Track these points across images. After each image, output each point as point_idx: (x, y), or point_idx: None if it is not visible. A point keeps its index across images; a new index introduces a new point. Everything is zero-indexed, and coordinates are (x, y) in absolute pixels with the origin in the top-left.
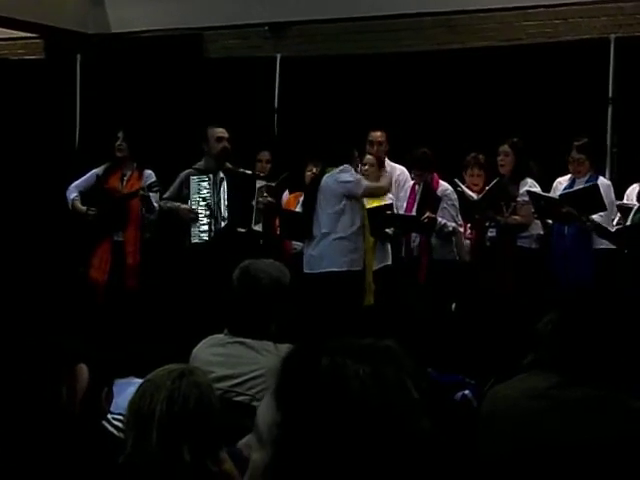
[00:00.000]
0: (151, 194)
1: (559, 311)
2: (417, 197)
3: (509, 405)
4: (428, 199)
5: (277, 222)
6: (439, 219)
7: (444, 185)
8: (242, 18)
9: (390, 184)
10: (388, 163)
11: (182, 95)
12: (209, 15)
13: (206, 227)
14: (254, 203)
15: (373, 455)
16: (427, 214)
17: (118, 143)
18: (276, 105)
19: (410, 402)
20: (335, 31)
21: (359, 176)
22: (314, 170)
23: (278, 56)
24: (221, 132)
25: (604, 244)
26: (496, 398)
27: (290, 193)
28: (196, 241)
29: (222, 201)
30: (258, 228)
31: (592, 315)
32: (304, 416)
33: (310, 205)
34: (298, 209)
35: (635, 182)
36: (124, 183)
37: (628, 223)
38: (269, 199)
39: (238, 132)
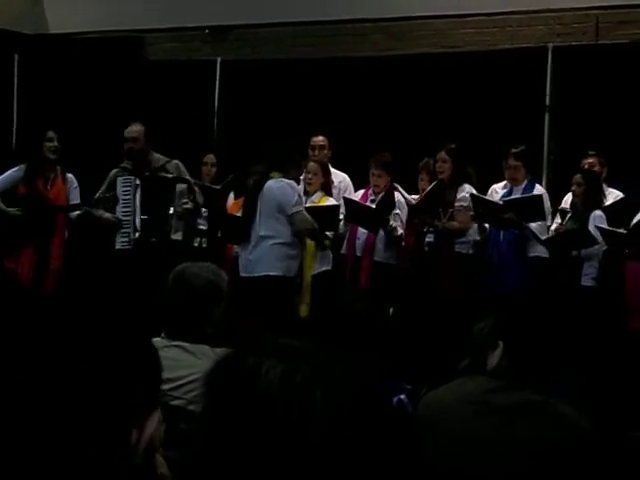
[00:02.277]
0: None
1: (494, 316)
2: (376, 199)
3: (444, 410)
4: (389, 201)
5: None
6: (391, 222)
7: (396, 193)
8: (182, 21)
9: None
10: (334, 172)
11: (121, 98)
12: (149, 17)
13: (125, 237)
14: (172, 210)
15: (266, 451)
16: (385, 215)
17: (52, 145)
18: (216, 109)
19: (308, 407)
20: (275, 35)
21: (300, 208)
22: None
23: (218, 59)
24: (128, 132)
25: (538, 252)
26: (431, 403)
27: (236, 198)
28: (119, 247)
29: (136, 210)
30: (178, 237)
31: (527, 321)
32: (218, 405)
33: (251, 209)
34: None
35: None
36: (48, 187)
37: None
38: (188, 206)
39: (178, 135)
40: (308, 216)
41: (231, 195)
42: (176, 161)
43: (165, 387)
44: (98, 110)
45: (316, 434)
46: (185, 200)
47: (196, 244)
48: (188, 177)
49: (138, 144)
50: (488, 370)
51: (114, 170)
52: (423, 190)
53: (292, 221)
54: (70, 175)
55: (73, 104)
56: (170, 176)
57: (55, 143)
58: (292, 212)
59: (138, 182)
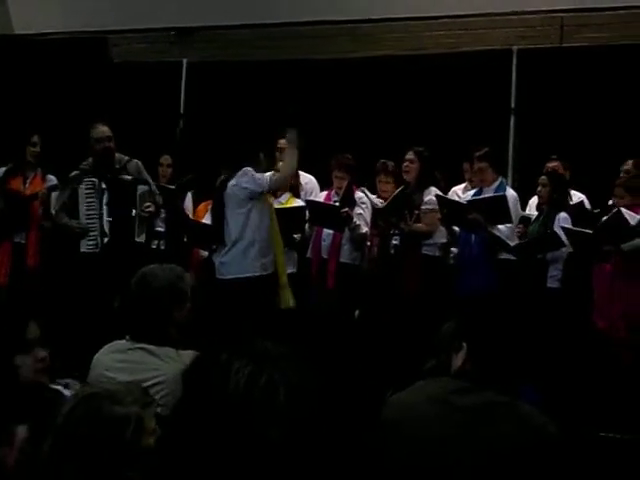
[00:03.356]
0: (53, 194)
1: (459, 318)
2: (338, 199)
3: (410, 411)
4: (348, 200)
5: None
6: (355, 219)
7: (359, 193)
8: (148, 22)
9: (293, 167)
10: (302, 174)
11: (87, 99)
12: (115, 19)
13: (93, 239)
14: (134, 213)
15: (228, 450)
16: (346, 209)
17: (35, 150)
18: (182, 110)
19: (270, 408)
20: (241, 37)
21: (259, 175)
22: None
23: (184, 61)
24: (100, 132)
25: (506, 254)
26: (396, 404)
27: (201, 201)
28: (84, 250)
29: (104, 215)
30: (141, 239)
31: (490, 322)
32: (189, 400)
33: (219, 212)
34: (208, 217)
35: (534, 190)
36: (27, 185)
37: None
38: (150, 209)
39: (143, 137)
40: (275, 174)
41: (189, 196)
42: (136, 160)
43: None
44: (63, 111)
45: (277, 435)
46: (148, 203)
47: (154, 246)
48: (148, 177)
49: (110, 143)
50: (452, 371)
51: (73, 173)
52: (383, 192)
53: (273, 187)
54: (51, 176)
55: (38, 105)
56: (131, 178)
57: (38, 149)
58: (266, 182)
59: (104, 186)
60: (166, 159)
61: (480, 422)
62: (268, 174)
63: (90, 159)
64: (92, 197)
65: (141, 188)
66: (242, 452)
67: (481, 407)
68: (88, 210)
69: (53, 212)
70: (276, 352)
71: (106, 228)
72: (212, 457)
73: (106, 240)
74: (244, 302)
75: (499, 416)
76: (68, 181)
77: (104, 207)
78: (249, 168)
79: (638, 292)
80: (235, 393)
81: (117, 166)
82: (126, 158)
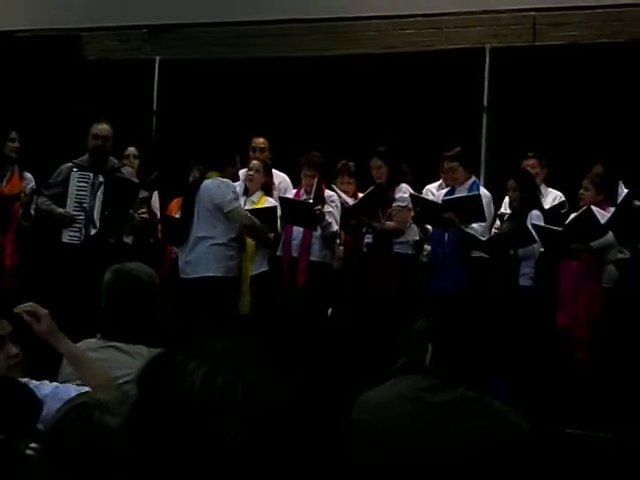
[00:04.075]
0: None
1: (429, 316)
2: (310, 197)
3: (381, 409)
4: (319, 198)
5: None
6: (326, 217)
7: (328, 191)
8: (121, 20)
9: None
10: (276, 173)
11: (59, 97)
12: (87, 16)
13: (76, 231)
14: (131, 213)
15: (181, 450)
16: (319, 206)
17: (14, 145)
18: (155, 108)
19: (227, 408)
20: (215, 35)
21: (230, 197)
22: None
23: (157, 59)
24: (98, 129)
25: (479, 252)
26: (367, 403)
27: (172, 198)
28: (66, 241)
29: (96, 207)
30: (129, 240)
31: (460, 320)
32: (146, 401)
33: (189, 209)
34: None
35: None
36: (4, 183)
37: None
38: (145, 216)
39: (116, 134)
40: (245, 212)
41: (156, 193)
42: (130, 169)
43: None
44: (37, 109)
45: (234, 435)
46: (143, 210)
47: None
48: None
49: (109, 143)
50: (424, 369)
51: (67, 165)
52: (344, 192)
53: (230, 218)
54: (29, 174)
55: (9, 103)
56: (136, 181)
57: (17, 144)
58: (229, 209)
59: (101, 179)
60: (131, 150)
61: (452, 418)
62: (239, 208)
63: (86, 155)
64: (84, 190)
65: (143, 193)
66: (200, 454)
67: (453, 404)
68: (77, 201)
69: (32, 213)
70: (233, 350)
71: (97, 220)
72: (170, 460)
73: (94, 232)
74: (207, 302)
75: (471, 412)
76: (60, 175)
77: (97, 200)
78: (229, 182)
79: (600, 290)
80: (190, 394)
81: (112, 166)
82: (118, 163)
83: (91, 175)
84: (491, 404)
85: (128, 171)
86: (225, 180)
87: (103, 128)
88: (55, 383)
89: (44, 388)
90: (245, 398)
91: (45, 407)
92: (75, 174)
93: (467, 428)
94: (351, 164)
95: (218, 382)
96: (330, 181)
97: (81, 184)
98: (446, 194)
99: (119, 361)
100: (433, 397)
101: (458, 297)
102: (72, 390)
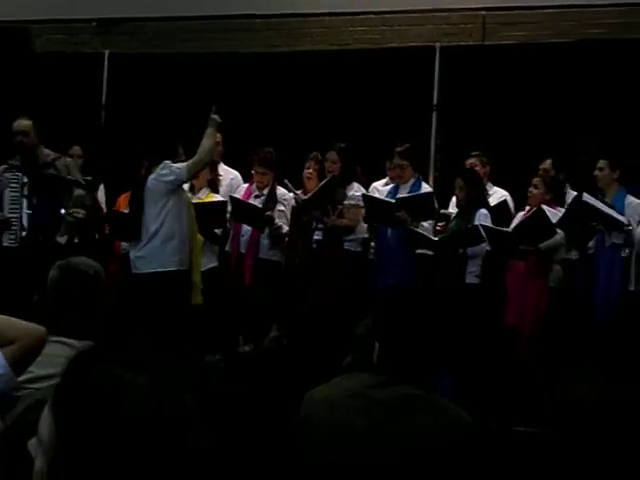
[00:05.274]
0: None
1: (375, 313)
2: (260, 195)
3: (328, 406)
4: (272, 198)
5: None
6: (276, 220)
7: (281, 189)
8: (70, 13)
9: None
10: (223, 167)
11: (7, 90)
12: (37, 8)
13: (13, 233)
14: (63, 212)
15: (145, 466)
16: (269, 212)
17: None
18: (104, 102)
19: (187, 417)
20: (165, 29)
21: (177, 165)
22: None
23: (106, 53)
24: (15, 125)
25: (424, 249)
26: (315, 400)
27: (120, 193)
28: (6, 245)
29: (23, 208)
30: (62, 241)
31: (406, 317)
32: (76, 425)
33: (137, 205)
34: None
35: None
36: None
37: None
38: (80, 216)
39: (64, 128)
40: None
41: (102, 188)
42: (68, 159)
43: (45, 384)
44: None
45: (191, 445)
46: (78, 210)
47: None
48: (78, 176)
49: (28, 138)
50: (371, 366)
51: (1, 167)
52: (308, 179)
53: (192, 172)
54: None
55: None
56: (69, 178)
57: None
58: (184, 170)
59: (25, 180)
60: (76, 150)
61: (398, 415)
62: (184, 163)
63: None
64: (15, 191)
65: (78, 191)
66: (170, 469)
67: (398, 401)
68: (11, 204)
69: None
70: (161, 358)
71: (25, 222)
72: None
73: (24, 234)
74: (160, 297)
75: (416, 409)
76: None
77: (23, 200)
78: (168, 161)
79: (547, 289)
80: (141, 408)
81: (45, 161)
82: (55, 155)
83: (20, 176)
84: (436, 401)
85: (62, 163)
86: (161, 166)
87: (20, 123)
88: None
89: None
90: (161, 405)
91: None
92: (8, 175)
93: (412, 425)
94: (321, 156)
95: (169, 393)
96: (287, 177)
97: (13, 185)
98: (389, 192)
99: (65, 356)
100: (379, 394)
101: (404, 294)
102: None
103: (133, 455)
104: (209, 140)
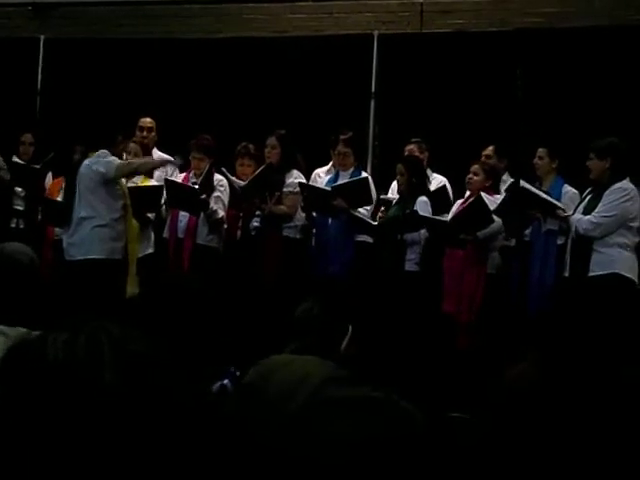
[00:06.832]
0: None
1: (315, 299)
2: (198, 181)
3: (273, 374)
4: (208, 184)
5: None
6: (212, 205)
7: (217, 175)
8: None
9: (147, 164)
10: (157, 153)
11: None
12: None
13: None
14: None
15: (68, 413)
16: (204, 195)
17: None
18: (39, 87)
19: (95, 358)
20: (102, 14)
21: (112, 159)
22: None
23: (42, 37)
24: None
25: (363, 236)
26: (265, 370)
27: (54, 178)
28: None
29: None
30: None
31: (340, 305)
32: (11, 385)
33: (70, 191)
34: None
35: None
36: None
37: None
38: None
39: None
40: (123, 162)
41: (49, 174)
42: None
43: None
44: None
45: (109, 378)
46: None
47: (13, 225)
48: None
49: None
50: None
51: None
52: (244, 175)
53: (118, 175)
54: None
55: None
56: None
57: None
58: (112, 168)
59: None
60: (28, 137)
61: (347, 413)
62: (118, 161)
63: None
64: None
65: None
66: (80, 408)
67: (356, 398)
68: None
69: None
70: (92, 320)
71: None
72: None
73: None
74: (91, 284)
75: (370, 406)
76: None
77: None
78: (105, 151)
79: (485, 276)
80: (56, 359)
81: None
82: None
83: None
84: (397, 402)
85: None
86: (98, 154)
87: None
88: None
89: None
90: (112, 346)
91: None
92: None
93: (361, 424)
94: (251, 146)
95: (81, 340)
96: (226, 164)
97: None
98: (330, 180)
99: None
100: (334, 390)
101: (342, 282)
102: None
103: (55, 404)
104: (152, 164)
